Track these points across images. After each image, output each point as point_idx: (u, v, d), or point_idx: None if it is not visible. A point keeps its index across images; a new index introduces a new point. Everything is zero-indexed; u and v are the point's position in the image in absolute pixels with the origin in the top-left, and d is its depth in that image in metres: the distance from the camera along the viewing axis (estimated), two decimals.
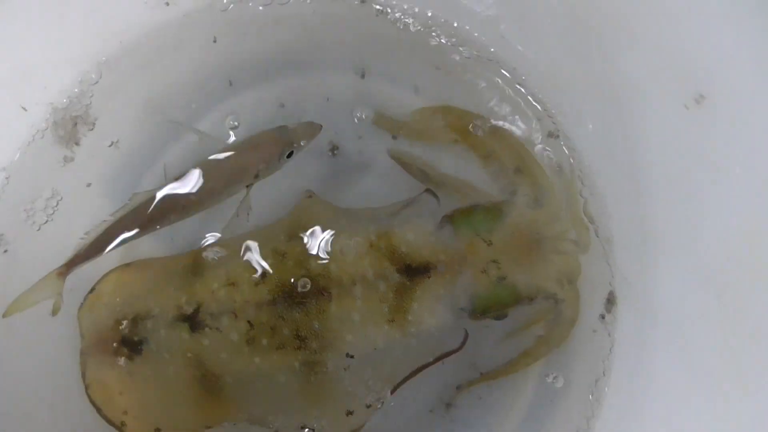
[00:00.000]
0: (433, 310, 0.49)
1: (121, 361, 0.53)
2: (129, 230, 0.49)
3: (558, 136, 0.58)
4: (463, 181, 0.55)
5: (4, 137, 0.58)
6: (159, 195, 0.50)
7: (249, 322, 0.50)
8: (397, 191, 0.57)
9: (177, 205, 0.50)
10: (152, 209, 0.50)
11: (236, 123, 0.60)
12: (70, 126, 0.59)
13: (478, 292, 0.49)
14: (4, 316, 0.49)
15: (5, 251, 0.57)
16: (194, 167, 0.51)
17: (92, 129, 0.59)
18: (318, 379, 0.50)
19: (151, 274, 0.55)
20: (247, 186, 0.52)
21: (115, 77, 0.60)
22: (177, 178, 0.50)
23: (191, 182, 0.50)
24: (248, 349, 0.50)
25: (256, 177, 0.52)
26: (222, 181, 0.51)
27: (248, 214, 0.52)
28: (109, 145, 0.60)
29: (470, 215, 0.51)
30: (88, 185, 0.59)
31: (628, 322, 0.55)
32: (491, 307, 0.50)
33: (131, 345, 0.53)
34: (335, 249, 0.50)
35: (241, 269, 0.52)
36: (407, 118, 0.58)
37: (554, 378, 0.56)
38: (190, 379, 0.52)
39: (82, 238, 0.50)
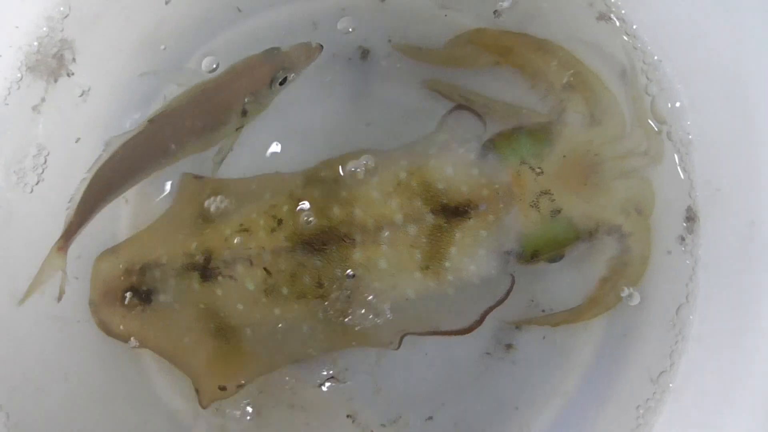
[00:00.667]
0: (474, 255, 0.42)
1: (132, 311, 0.49)
2: (110, 187, 0.43)
3: (610, 18, 0.47)
4: (508, 103, 0.46)
5: None
6: (133, 144, 0.43)
7: (266, 269, 0.44)
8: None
9: (156, 152, 0.43)
10: (130, 160, 0.43)
11: (215, 65, 0.50)
12: (53, 63, 0.50)
13: (527, 230, 0.42)
14: (19, 304, 0.45)
15: None
16: (170, 104, 0.43)
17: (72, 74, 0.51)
18: (344, 329, 0.45)
19: (161, 223, 0.49)
20: (237, 128, 0.44)
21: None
22: (151, 120, 0.43)
23: (168, 122, 0.43)
24: (267, 300, 0.45)
25: (245, 114, 0.44)
26: (203, 118, 0.43)
27: (221, 161, 0.45)
28: (80, 95, 0.51)
29: (514, 140, 0.44)
30: (77, 140, 0.51)
31: (716, 240, 0.46)
32: (544, 248, 0.43)
33: (140, 295, 0.48)
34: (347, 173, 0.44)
35: (255, 215, 0.46)
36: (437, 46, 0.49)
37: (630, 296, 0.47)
38: (204, 331, 0.47)
39: (67, 207, 0.45)
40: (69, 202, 0.44)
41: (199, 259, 0.46)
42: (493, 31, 0.48)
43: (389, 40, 0.50)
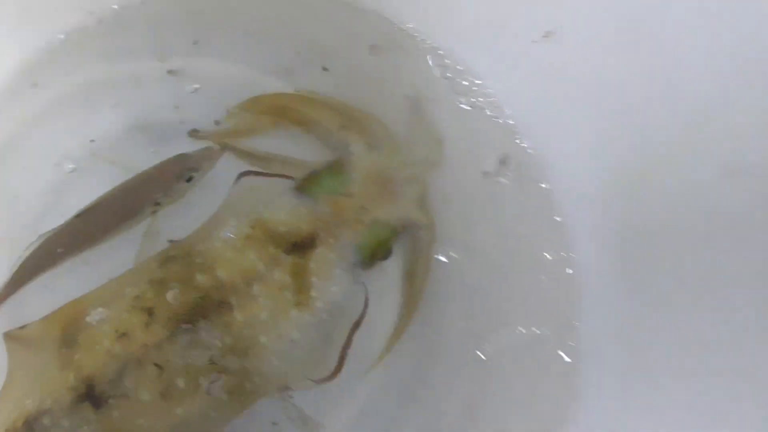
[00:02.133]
0: (332, 277, 0.50)
1: None
2: (40, 267, 0.52)
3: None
4: (286, 156, 0.56)
5: None
6: (62, 233, 0.52)
7: (156, 365, 0.47)
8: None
9: (83, 240, 0.52)
10: (59, 245, 0.52)
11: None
12: None
13: (360, 241, 0.51)
14: None
15: None
16: (95, 202, 0.52)
17: None
18: (250, 396, 0.49)
19: (27, 360, 0.49)
20: (153, 212, 0.53)
21: None
22: (78, 215, 0.52)
23: (92, 217, 0.52)
24: (166, 403, 0.47)
25: (158, 204, 0.53)
26: (123, 212, 0.52)
27: (156, 238, 0.53)
28: None
29: (317, 179, 0.53)
30: None
31: None
32: (377, 249, 0.52)
33: None
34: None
35: (126, 314, 0.48)
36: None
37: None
38: None
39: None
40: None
41: (83, 389, 0.47)
42: (266, 96, 0.58)
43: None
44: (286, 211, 0.51)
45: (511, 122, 0.58)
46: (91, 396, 0.46)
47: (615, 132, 0.53)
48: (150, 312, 0.47)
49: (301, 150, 0.57)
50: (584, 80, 0.54)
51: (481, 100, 0.59)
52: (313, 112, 0.56)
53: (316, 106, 0.57)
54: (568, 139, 0.56)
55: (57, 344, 0.48)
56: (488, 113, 0.58)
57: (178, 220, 0.54)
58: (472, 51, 0.59)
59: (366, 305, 0.51)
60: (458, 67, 0.60)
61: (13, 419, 0.47)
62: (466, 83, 0.59)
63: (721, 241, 0.47)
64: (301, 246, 0.49)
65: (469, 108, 0.58)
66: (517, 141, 0.58)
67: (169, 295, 0.48)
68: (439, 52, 0.60)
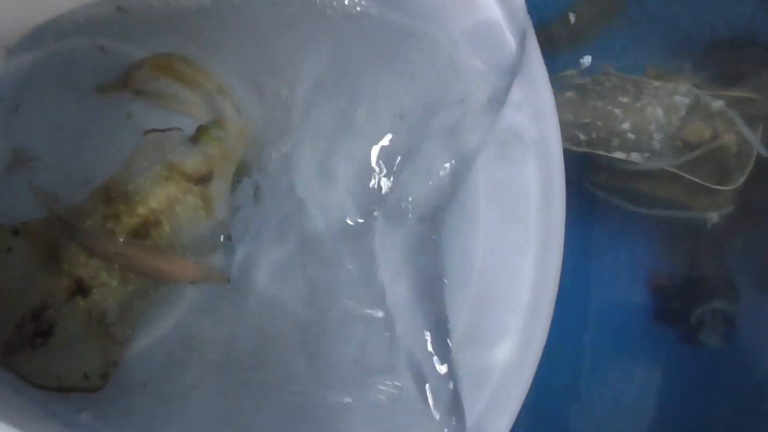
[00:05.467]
0: (224, 197, 0.77)
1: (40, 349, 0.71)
2: None
3: None
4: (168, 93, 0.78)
5: None
6: None
7: (120, 264, 0.73)
8: None
9: None
10: None
11: None
12: None
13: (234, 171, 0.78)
14: None
15: None
16: None
17: None
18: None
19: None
20: None
21: None
22: None
23: None
24: (123, 286, 0.73)
25: None
26: None
27: None
28: None
29: (206, 133, 0.77)
30: None
31: None
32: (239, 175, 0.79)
33: (42, 335, 0.71)
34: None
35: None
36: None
37: None
38: (95, 327, 0.74)
39: None
40: None
41: (74, 287, 0.71)
42: (155, 56, 0.78)
43: None
44: (188, 157, 0.77)
45: None
46: (81, 290, 0.72)
47: None
48: (112, 233, 0.73)
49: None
50: None
51: None
52: (196, 75, 0.79)
53: (195, 69, 0.79)
54: None
55: (42, 258, 0.71)
56: None
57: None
58: None
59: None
60: None
61: (19, 315, 0.71)
62: None
63: None
64: (203, 179, 0.77)
65: None
66: None
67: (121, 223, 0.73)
68: None
